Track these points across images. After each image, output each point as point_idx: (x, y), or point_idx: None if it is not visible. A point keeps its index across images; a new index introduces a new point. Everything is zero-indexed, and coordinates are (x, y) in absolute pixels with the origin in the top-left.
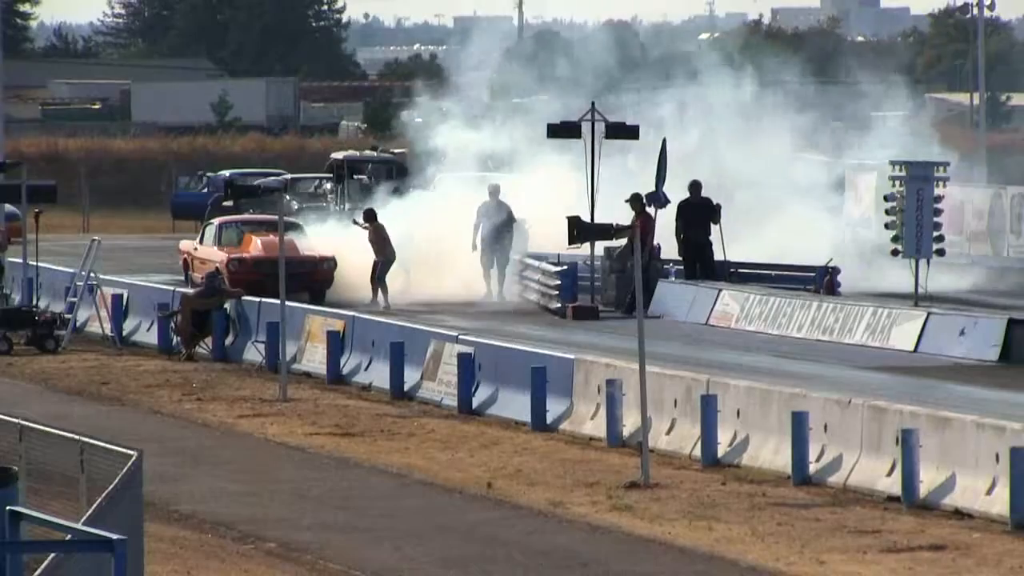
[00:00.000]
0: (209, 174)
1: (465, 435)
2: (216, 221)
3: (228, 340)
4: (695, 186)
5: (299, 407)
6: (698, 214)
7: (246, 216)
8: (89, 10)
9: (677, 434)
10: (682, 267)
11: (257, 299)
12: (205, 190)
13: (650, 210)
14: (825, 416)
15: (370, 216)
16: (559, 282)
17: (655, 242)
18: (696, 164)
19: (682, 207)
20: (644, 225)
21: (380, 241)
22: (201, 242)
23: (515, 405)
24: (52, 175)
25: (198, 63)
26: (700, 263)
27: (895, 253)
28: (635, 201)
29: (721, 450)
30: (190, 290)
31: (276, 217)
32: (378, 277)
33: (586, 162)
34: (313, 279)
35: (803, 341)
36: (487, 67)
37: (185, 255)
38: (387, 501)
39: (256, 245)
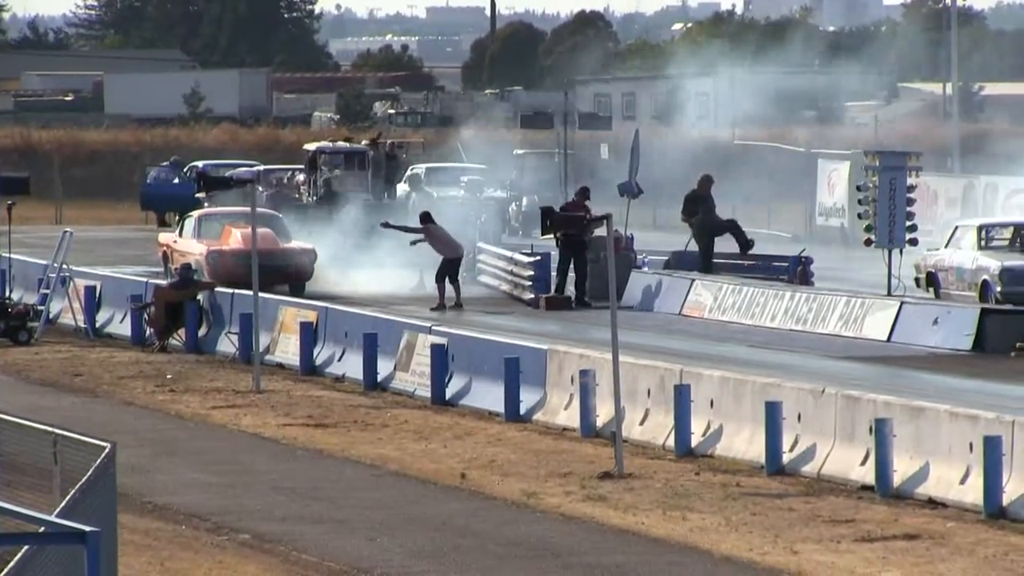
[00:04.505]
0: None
1: (438, 426)
2: (196, 213)
3: (201, 332)
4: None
5: (272, 398)
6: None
7: (227, 208)
8: (62, 2)
9: (651, 424)
10: (659, 257)
11: (230, 290)
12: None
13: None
14: (798, 406)
15: (425, 219)
16: (532, 273)
17: (628, 232)
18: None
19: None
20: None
21: (440, 242)
22: (180, 235)
23: (488, 396)
24: (25, 167)
25: (171, 54)
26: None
27: (868, 243)
28: (582, 192)
29: (695, 440)
30: (163, 282)
31: (259, 210)
32: (439, 276)
33: (559, 152)
34: (293, 271)
35: (776, 331)
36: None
37: (165, 247)
38: (360, 492)
39: (235, 237)
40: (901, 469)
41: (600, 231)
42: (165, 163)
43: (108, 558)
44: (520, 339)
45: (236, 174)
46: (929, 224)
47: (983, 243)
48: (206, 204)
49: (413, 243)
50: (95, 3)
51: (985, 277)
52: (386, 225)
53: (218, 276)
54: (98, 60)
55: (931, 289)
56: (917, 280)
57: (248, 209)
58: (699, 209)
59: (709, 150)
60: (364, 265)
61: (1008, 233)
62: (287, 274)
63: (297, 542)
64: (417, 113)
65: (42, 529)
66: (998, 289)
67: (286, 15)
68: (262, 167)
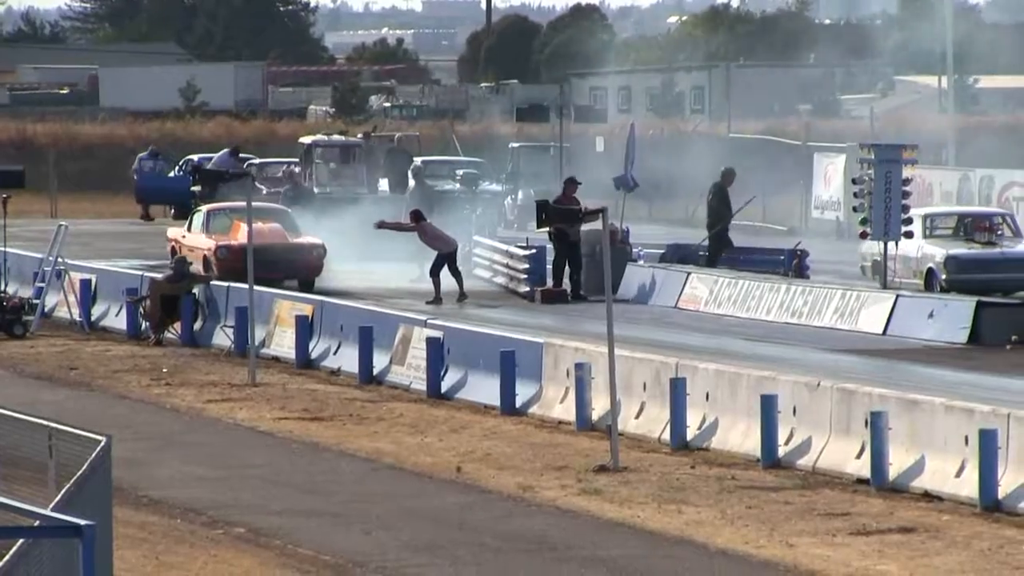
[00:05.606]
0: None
1: (434, 419)
2: (204, 208)
3: (197, 325)
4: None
5: (268, 392)
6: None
7: (235, 203)
8: None
9: (646, 417)
10: (654, 251)
11: (225, 284)
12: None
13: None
14: (794, 399)
15: (416, 216)
16: (528, 266)
17: (624, 225)
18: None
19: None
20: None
21: (433, 238)
22: (189, 229)
23: (484, 389)
24: (20, 160)
25: (166, 48)
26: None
27: (864, 235)
28: (570, 183)
29: (690, 433)
30: (159, 275)
31: (267, 205)
32: (434, 270)
33: (554, 145)
34: (302, 266)
35: (772, 324)
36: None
37: (173, 242)
38: (356, 486)
39: (245, 232)
40: (897, 462)
41: (595, 224)
42: (144, 152)
43: (103, 552)
44: (516, 332)
45: (216, 162)
46: None
47: (928, 232)
48: (198, 199)
49: (379, 226)
50: None
51: (930, 265)
52: (381, 225)
53: (227, 271)
54: (93, 54)
55: (877, 277)
56: (863, 268)
57: (257, 204)
58: (725, 205)
59: (704, 143)
60: (355, 259)
61: (952, 222)
62: (296, 269)
63: (293, 535)
64: (413, 106)
65: (37, 523)
66: (943, 277)
67: (281, 8)
68: (253, 158)
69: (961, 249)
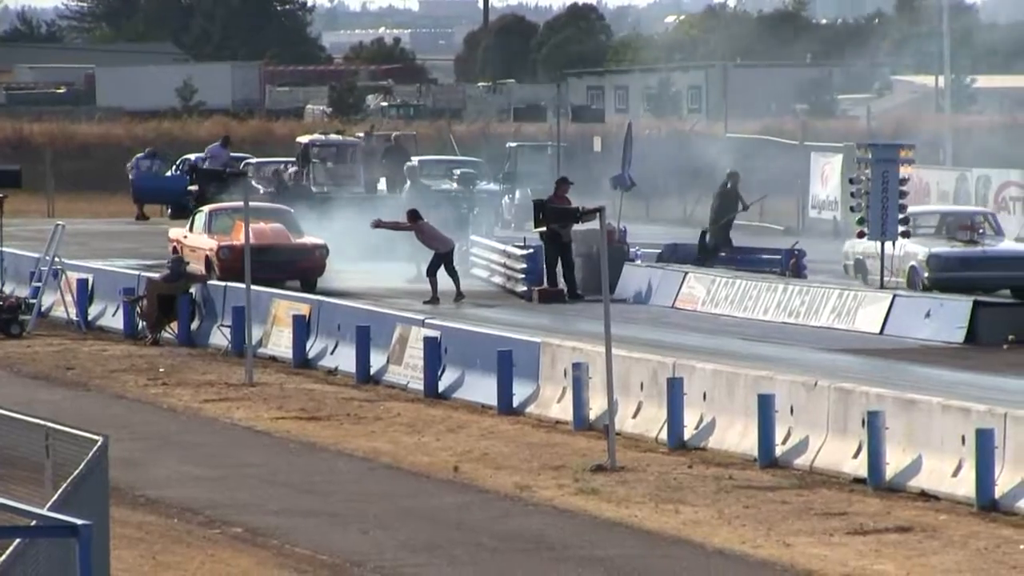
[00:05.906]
0: (139, 156)
1: (431, 419)
2: (206, 208)
3: (194, 324)
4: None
5: (265, 391)
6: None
7: (237, 204)
8: None
9: (643, 417)
10: (651, 250)
11: (223, 283)
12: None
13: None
14: (791, 398)
15: (413, 216)
16: (525, 265)
17: (622, 225)
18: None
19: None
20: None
21: (430, 238)
22: (191, 230)
23: (481, 389)
24: (17, 160)
25: (163, 47)
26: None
27: (861, 235)
28: (562, 183)
29: (687, 433)
30: (156, 274)
31: (270, 205)
32: (431, 270)
33: (551, 144)
34: (305, 267)
35: (769, 324)
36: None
37: (175, 243)
38: (353, 485)
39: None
40: (893, 462)
41: (593, 224)
42: (141, 153)
43: (100, 551)
44: (513, 332)
45: (209, 154)
46: None
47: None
48: (195, 199)
49: (376, 225)
50: None
51: (913, 263)
52: (378, 224)
53: (229, 271)
54: (90, 53)
55: (859, 276)
56: (846, 267)
57: (259, 204)
58: (738, 199)
59: (702, 143)
60: (352, 258)
61: (934, 221)
62: (299, 269)
63: (290, 535)
64: (410, 106)
65: (34, 522)
66: (925, 275)
67: (278, 8)
68: (250, 157)
69: (943, 247)
